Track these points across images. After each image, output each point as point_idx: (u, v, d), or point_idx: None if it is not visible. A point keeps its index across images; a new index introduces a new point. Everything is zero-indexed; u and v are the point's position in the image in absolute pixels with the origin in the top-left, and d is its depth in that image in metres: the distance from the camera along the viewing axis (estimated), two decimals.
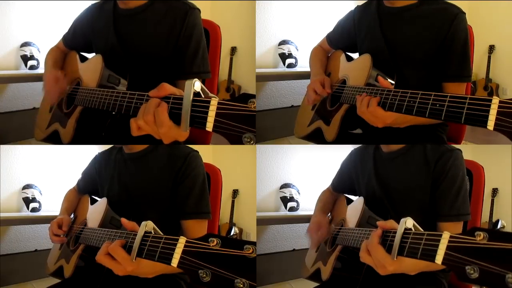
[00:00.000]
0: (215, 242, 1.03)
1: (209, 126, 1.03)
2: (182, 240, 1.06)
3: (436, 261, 1.00)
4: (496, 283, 0.90)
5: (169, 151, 1.59)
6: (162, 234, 1.15)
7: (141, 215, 1.54)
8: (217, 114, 1.02)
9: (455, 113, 1.09)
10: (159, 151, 1.59)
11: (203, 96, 1.06)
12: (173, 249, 1.06)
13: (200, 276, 1.01)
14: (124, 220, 1.27)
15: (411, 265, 1.23)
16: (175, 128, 1.10)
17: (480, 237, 0.94)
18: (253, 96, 1.01)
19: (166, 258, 1.08)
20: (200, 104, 1.04)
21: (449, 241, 0.99)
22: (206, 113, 1.03)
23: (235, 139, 1.01)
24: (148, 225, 1.16)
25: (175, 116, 1.09)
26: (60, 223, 1.70)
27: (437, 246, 1.01)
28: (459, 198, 1.53)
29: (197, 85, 1.05)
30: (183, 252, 1.05)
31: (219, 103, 1.03)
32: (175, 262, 1.05)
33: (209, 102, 1.03)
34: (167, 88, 1.13)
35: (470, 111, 1.06)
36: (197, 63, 1.61)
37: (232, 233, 3.05)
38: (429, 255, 1.02)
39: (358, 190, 1.75)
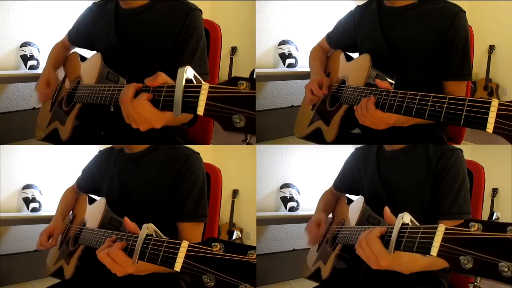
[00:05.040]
0: (218, 247, 1.02)
1: (200, 110, 1.03)
2: (184, 244, 1.06)
3: (431, 253, 1.00)
4: (490, 272, 0.90)
5: (170, 152, 1.59)
6: (163, 237, 1.15)
7: (140, 216, 1.54)
8: (208, 98, 1.03)
9: (454, 115, 1.09)
10: (159, 152, 1.59)
11: (195, 83, 1.07)
12: (176, 253, 1.06)
13: (204, 281, 1.01)
14: (127, 220, 1.26)
15: (406, 264, 1.22)
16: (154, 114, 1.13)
17: (475, 228, 0.94)
18: (244, 79, 1.01)
19: (169, 262, 1.07)
20: (191, 90, 1.05)
21: (445, 233, 0.99)
22: (198, 97, 1.04)
23: (227, 122, 1.01)
24: (150, 228, 1.15)
25: (167, 103, 1.10)
26: (51, 233, 1.71)
27: (432, 238, 1.01)
28: (460, 197, 1.53)
29: (189, 72, 1.06)
30: (186, 256, 1.05)
31: (210, 87, 1.03)
32: (178, 266, 1.05)
33: (200, 86, 1.04)
34: (162, 77, 1.14)
35: (469, 113, 1.06)
36: (194, 64, 1.61)
37: (234, 237, 3.04)
38: (425, 248, 1.02)
39: (360, 189, 1.75)
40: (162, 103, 1.11)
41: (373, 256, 1.19)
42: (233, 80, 1.02)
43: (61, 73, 1.83)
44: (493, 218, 2.95)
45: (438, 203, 1.54)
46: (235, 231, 3.06)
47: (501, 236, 0.90)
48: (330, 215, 1.87)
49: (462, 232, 0.96)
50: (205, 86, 1.04)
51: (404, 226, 1.12)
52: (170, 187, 1.54)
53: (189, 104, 1.05)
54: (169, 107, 1.09)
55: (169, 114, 1.12)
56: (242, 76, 1.03)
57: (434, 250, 1.00)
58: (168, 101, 1.09)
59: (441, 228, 1.00)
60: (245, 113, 1.00)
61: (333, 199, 1.90)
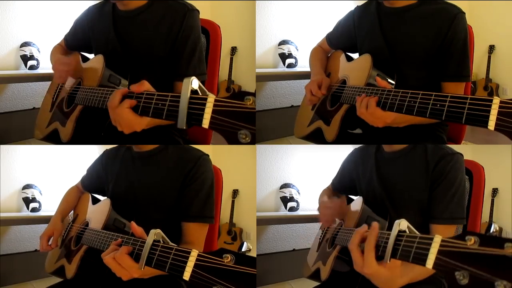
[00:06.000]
0: (229, 259, 1.02)
1: (205, 123, 1.04)
2: (194, 253, 1.05)
3: (426, 265, 0.99)
4: None
5: (180, 153, 1.60)
6: (171, 244, 1.15)
7: (145, 215, 1.54)
8: (213, 111, 1.03)
9: (456, 113, 1.09)
10: (169, 152, 1.60)
11: (200, 94, 1.07)
12: (185, 262, 1.05)
13: None
14: (134, 225, 1.26)
15: (385, 283, 1.21)
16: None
17: (471, 241, 0.92)
18: (251, 94, 1.01)
19: (177, 270, 1.07)
20: (197, 102, 1.05)
21: (441, 245, 0.97)
22: (203, 110, 1.04)
23: (232, 136, 1.02)
24: (157, 234, 1.15)
25: (171, 113, 1.10)
26: (50, 235, 1.71)
27: (428, 250, 0.99)
28: (453, 202, 1.52)
29: (195, 83, 1.06)
30: (195, 265, 1.04)
31: (216, 100, 1.03)
32: (187, 275, 1.05)
33: (206, 99, 1.04)
34: (145, 85, 1.23)
35: (470, 111, 1.06)
36: (193, 65, 1.61)
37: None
38: (421, 259, 1.01)
39: (359, 189, 1.75)
40: (166, 113, 1.12)
41: (356, 264, 1.20)
42: (240, 95, 1.02)
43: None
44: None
45: (432, 207, 1.53)
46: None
47: (498, 253, 0.88)
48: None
49: (459, 245, 0.94)
50: (211, 99, 1.04)
51: (400, 233, 1.12)
52: (179, 187, 1.55)
53: (194, 116, 1.05)
54: (173, 118, 1.09)
55: (148, 119, 1.21)
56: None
57: (430, 263, 0.98)
58: (173, 111, 1.09)
59: (437, 240, 0.99)
60: (249, 129, 1.00)
61: (334, 196, 1.90)
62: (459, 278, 0.92)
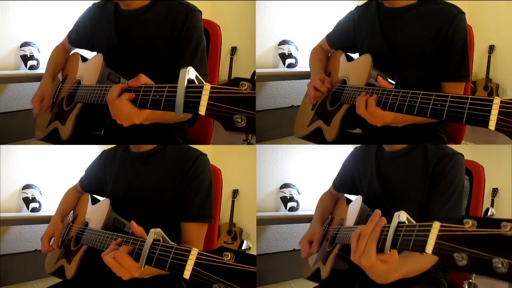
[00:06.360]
0: (229, 257, 1.02)
1: (202, 110, 1.05)
2: (194, 252, 1.05)
3: (426, 250, 0.99)
4: (484, 269, 0.88)
5: (178, 153, 1.60)
6: (171, 242, 1.15)
7: (144, 215, 1.54)
8: (210, 98, 1.04)
9: (457, 113, 1.09)
10: (167, 152, 1.60)
11: (197, 83, 1.08)
12: (185, 261, 1.05)
13: None
14: (134, 224, 1.26)
15: (382, 275, 1.21)
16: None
17: (469, 224, 0.92)
18: (246, 80, 1.02)
19: (177, 269, 1.07)
20: (193, 90, 1.06)
21: (440, 230, 0.98)
22: (199, 98, 1.05)
23: (228, 122, 1.03)
24: (157, 233, 1.15)
25: (169, 103, 1.11)
26: (51, 236, 1.71)
27: (427, 236, 0.99)
28: (450, 202, 1.52)
29: (191, 72, 1.08)
30: (195, 264, 1.04)
31: (212, 88, 1.04)
32: (187, 274, 1.05)
33: (202, 87, 1.05)
34: (143, 78, 1.23)
35: (471, 111, 1.06)
36: (195, 65, 1.60)
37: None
38: (420, 246, 1.01)
39: (359, 189, 1.75)
40: (164, 103, 1.12)
41: (355, 254, 1.19)
42: (235, 81, 1.02)
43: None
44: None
45: (428, 206, 1.53)
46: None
47: (495, 232, 0.88)
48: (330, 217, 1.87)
49: (457, 229, 0.94)
50: (207, 87, 1.05)
51: (400, 224, 1.12)
52: (178, 187, 1.55)
53: (191, 104, 1.06)
54: (171, 107, 1.10)
55: (148, 111, 1.21)
56: (243, 77, 1.03)
57: (429, 248, 0.99)
58: (170, 101, 1.10)
59: (435, 226, 0.99)
60: (246, 113, 1.01)
61: (332, 203, 1.89)
62: (458, 259, 0.92)
